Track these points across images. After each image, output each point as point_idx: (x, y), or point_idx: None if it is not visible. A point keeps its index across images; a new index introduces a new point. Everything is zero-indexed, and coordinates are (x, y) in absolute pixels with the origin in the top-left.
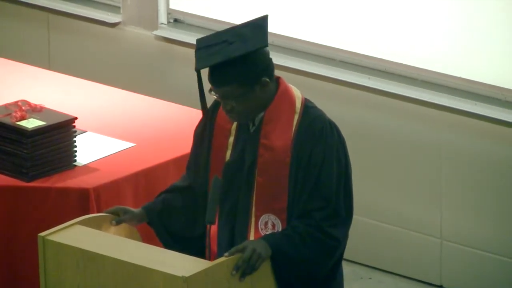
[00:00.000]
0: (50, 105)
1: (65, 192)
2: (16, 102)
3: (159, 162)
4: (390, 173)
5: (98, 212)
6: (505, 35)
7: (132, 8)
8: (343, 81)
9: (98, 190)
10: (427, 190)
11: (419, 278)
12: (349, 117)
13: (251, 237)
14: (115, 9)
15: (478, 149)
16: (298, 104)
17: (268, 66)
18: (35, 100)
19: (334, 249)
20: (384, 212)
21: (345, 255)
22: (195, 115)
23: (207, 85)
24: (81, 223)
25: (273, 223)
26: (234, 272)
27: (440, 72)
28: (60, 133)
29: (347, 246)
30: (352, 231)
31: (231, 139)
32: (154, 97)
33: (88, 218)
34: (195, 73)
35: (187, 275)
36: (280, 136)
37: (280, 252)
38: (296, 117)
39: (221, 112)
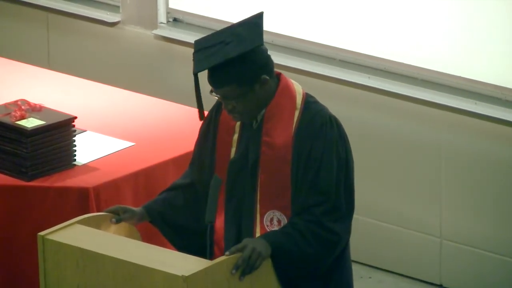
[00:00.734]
0: (49, 104)
1: (65, 191)
2: (16, 101)
3: (159, 161)
4: (390, 172)
5: (97, 211)
6: (506, 35)
7: (132, 8)
8: (344, 81)
9: (98, 189)
10: (427, 189)
11: (419, 278)
12: (349, 116)
13: (257, 234)
14: (114, 8)
15: (478, 148)
16: (299, 100)
17: (266, 64)
18: (34, 99)
19: (335, 244)
20: (384, 212)
21: None
22: (195, 114)
23: (207, 87)
24: (80, 222)
25: (279, 219)
26: (234, 271)
27: (440, 72)
28: (60, 132)
29: None
30: (352, 230)
31: (235, 137)
32: (153, 96)
33: (88, 218)
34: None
35: (187, 274)
36: (281, 133)
37: (280, 250)
38: (297, 113)
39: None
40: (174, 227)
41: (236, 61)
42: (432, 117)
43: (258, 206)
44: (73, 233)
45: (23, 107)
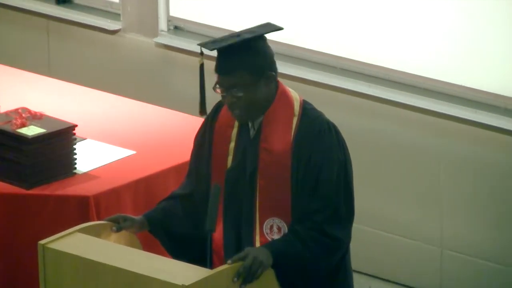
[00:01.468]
0: (50, 112)
1: (65, 199)
2: (16, 109)
3: (159, 169)
4: (390, 181)
5: (98, 220)
6: (506, 43)
7: (132, 15)
8: (344, 89)
9: (98, 197)
10: (427, 198)
11: (419, 287)
12: (349, 124)
13: (257, 242)
14: (115, 16)
15: (479, 157)
16: (297, 107)
17: (274, 63)
18: (35, 107)
19: (336, 250)
20: (384, 220)
21: None
22: (195, 122)
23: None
24: (81, 231)
25: (279, 226)
26: (235, 279)
27: (440, 80)
28: (60, 140)
29: None
30: (352, 239)
31: (232, 145)
32: (154, 104)
33: (88, 226)
34: (196, 80)
35: (187, 283)
36: (280, 139)
37: (282, 259)
38: (295, 119)
39: (221, 118)
40: (174, 236)
41: (249, 48)
42: (432, 126)
43: (257, 213)
44: (73, 242)
45: (23, 115)
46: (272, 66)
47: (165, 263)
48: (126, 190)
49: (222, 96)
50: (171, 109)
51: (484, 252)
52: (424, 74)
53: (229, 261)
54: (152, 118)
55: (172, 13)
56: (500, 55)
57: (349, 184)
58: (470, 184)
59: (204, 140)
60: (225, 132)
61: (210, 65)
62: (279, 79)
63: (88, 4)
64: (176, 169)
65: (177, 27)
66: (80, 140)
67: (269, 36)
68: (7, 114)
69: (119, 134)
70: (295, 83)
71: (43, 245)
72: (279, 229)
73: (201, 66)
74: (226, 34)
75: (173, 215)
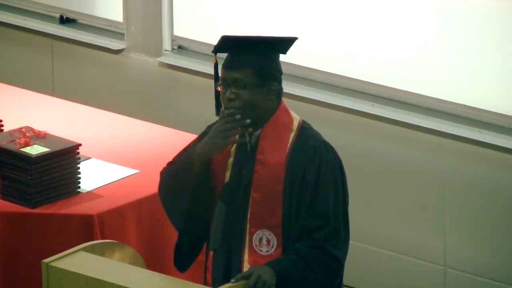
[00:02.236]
0: (54, 131)
1: (69, 218)
2: (20, 128)
3: None
4: (394, 200)
5: (102, 238)
6: (510, 64)
7: (136, 35)
8: (347, 108)
9: (102, 216)
10: (431, 217)
11: None
12: (353, 144)
13: (246, 255)
14: (119, 35)
15: (482, 176)
16: (296, 123)
17: (280, 80)
18: (39, 126)
19: (337, 271)
20: (387, 239)
21: (347, 281)
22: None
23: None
24: (85, 249)
25: (268, 238)
26: None
27: (444, 100)
28: (64, 159)
29: (349, 273)
30: (356, 258)
31: (231, 160)
32: (158, 123)
33: (92, 245)
34: (199, 100)
35: None
36: (275, 152)
37: (285, 278)
38: (292, 135)
39: None
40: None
41: (261, 50)
42: (436, 145)
43: (248, 225)
44: (78, 260)
45: (27, 134)
46: (278, 81)
47: (169, 282)
48: (130, 209)
49: (222, 93)
50: (175, 128)
51: (488, 271)
52: (428, 94)
53: (232, 280)
54: (156, 138)
55: (176, 33)
56: (505, 74)
57: (346, 205)
58: (474, 203)
59: None
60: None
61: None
62: (285, 101)
63: (92, 23)
64: None
65: (181, 47)
66: (84, 159)
67: None
68: (11, 133)
69: (123, 153)
70: (298, 102)
71: (47, 263)
72: (268, 241)
73: (215, 66)
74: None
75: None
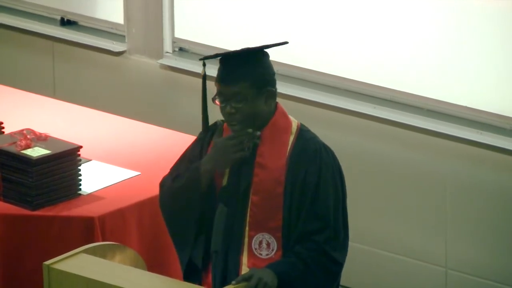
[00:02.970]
0: (55, 133)
1: (70, 220)
2: (21, 130)
3: None
4: (395, 201)
5: (103, 240)
6: (511, 64)
7: (137, 37)
8: (348, 110)
9: (103, 218)
10: (432, 219)
11: None
12: (354, 146)
13: (244, 258)
14: (120, 37)
15: (483, 178)
16: (294, 126)
17: (275, 81)
18: (40, 128)
19: (337, 274)
20: (389, 241)
21: (349, 283)
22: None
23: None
24: (86, 251)
25: (268, 241)
26: None
27: (445, 101)
28: (65, 161)
29: (351, 275)
30: (357, 259)
31: None
32: (159, 126)
33: (93, 247)
34: (200, 102)
35: None
36: (275, 155)
37: (286, 280)
38: (291, 138)
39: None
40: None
41: (253, 61)
42: (437, 147)
43: (247, 228)
44: (79, 263)
45: (28, 136)
46: (273, 83)
47: (170, 284)
48: (131, 211)
49: (221, 107)
50: (176, 130)
51: (489, 272)
52: (429, 95)
53: (233, 282)
54: (157, 140)
55: (177, 35)
56: (505, 76)
57: (345, 207)
58: (475, 204)
59: (199, 156)
60: None
61: (210, 85)
62: (286, 103)
63: (93, 25)
64: None
65: (182, 49)
66: (85, 162)
67: (273, 56)
68: (11, 135)
69: (124, 155)
70: (299, 104)
71: (48, 266)
72: (268, 244)
73: (204, 78)
74: None
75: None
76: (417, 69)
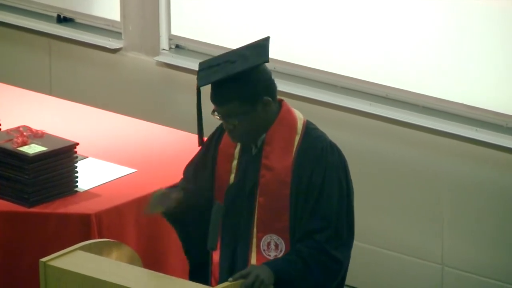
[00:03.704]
0: (51, 130)
1: (67, 217)
2: (18, 127)
3: (161, 187)
4: (391, 199)
5: (99, 237)
6: (507, 62)
7: (134, 34)
8: (345, 107)
9: (100, 215)
10: (428, 216)
11: None
12: (351, 143)
13: (253, 259)
14: (116, 35)
15: (480, 175)
16: (300, 125)
17: (269, 86)
18: (36, 125)
19: (337, 272)
20: (385, 238)
21: (346, 281)
22: (196, 140)
23: (207, 112)
24: (82, 248)
25: (276, 243)
26: None
27: (441, 99)
28: (62, 159)
29: (348, 272)
30: (353, 257)
31: (235, 163)
32: (155, 123)
33: (90, 244)
34: (197, 99)
35: None
36: (281, 156)
37: (284, 278)
38: (297, 137)
39: (226, 137)
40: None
41: (240, 78)
42: (433, 144)
43: (254, 230)
44: (75, 260)
45: (25, 133)
46: (269, 90)
47: (166, 281)
48: (128, 208)
49: (222, 122)
50: (172, 127)
51: (485, 269)
52: (425, 93)
53: (230, 279)
54: (153, 137)
55: (173, 32)
56: (502, 73)
57: (350, 207)
58: (471, 202)
59: (208, 155)
60: (228, 150)
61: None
62: (284, 98)
63: (89, 23)
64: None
65: (179, 46)
66: (82, 159)
67: (271, 54)
68: (8, 132)
69: (121, 152)
70: (296, 102)
71: (44, 262)
72: (276, 246)
73: (198, 95)
74: (226, 52)
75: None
76: (414, 67)
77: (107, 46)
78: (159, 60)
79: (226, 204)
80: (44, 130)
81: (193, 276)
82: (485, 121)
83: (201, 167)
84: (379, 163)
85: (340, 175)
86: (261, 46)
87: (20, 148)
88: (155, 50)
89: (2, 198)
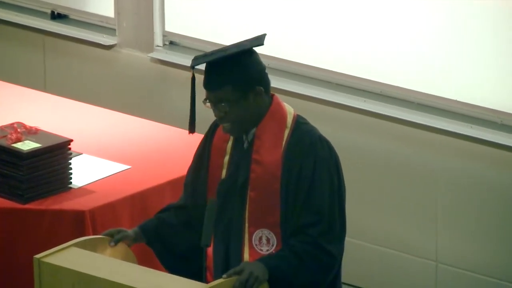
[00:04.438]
0: (45, 127)
1: (61, 214)
2: (12, 124)
3: (155, 184)
4: (386, 196)
5: (93, 234)
6: (501, 59)
7: (128, 31)
8: (339, 104)
9: (94, 212)
10: (422, 213)
11: None
12: (345, 139)
13: (245, 254)
14: (110, 31)
15: (474, 172)
16: (290, 120)
17: (262, 77)
18: (30, 122)
19: (331, 266)
20: (379, 235)
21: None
22: (191, 137)
23: (200, 110)
24: (77, 245)
25: (268, 237)
26: None
27: (436, 95)
28: (56, 155)
29: (342, 269)
30: (347, 253)
31: (227, 158)
32: (149, 119)
33: (84, 240)
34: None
35: None
36: (271, 150)
37: (277, 273)
38: (287, 131)
39: (218, 133)
40: (169, 248)
41: (234, 63)
42: (428, 141)
43: (246, 224)
44: (69, 256)
45: (19, 129)
46: (262, 81)
47: (161, 277)
48: (122, 205)
49: (213, 110)
50: (167, 124)
51: (479, 266)
52: (420, 90)
53: (224, 276)
54: (148, 133)
55: (167, 28)
56: (496, 70)
57: (342, 201)
58: (466, 199)
59: (204, 154)
60: (221, 145)
61: (201, 79)
62: (279, 95)
63: (83, 19)
64: (172, 183)
65: (173, 43)
66: (76, 155)
67: (265, 51)
68: (2, 129)
69: (115, 149)
70: (291, 98)
71: (38, 259)
72: (268, 240)
73: (193, 80)
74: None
75: (168, 226)
76: (408, 64)
77: (101, 43)
78: (153, 56)
79: (219, 200)
80: (38, 126)
81: (185, 271)
82: (479, 118)
83: (199, 168)
84: (373, 160)
85: (330, 168)
86: (257, 37)
87: (14, 145)
88: (149, 46)
89: None
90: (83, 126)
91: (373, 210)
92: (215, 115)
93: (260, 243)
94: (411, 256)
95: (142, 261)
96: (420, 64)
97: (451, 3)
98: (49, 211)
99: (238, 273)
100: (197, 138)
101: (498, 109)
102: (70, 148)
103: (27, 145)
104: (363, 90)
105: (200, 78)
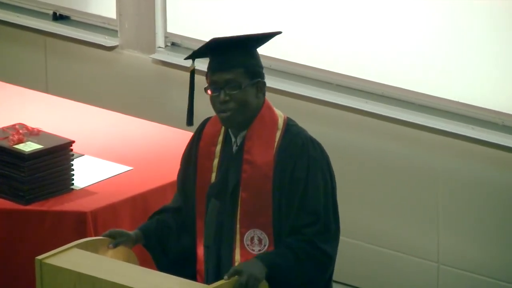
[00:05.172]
0: (47, 128)
1: (62, 215)
2: (14, 125)
3: (156, 185)
4: (387, 197)
5: (95, 235)
6: (503, 60)
7: (130, 32)
8: (340, 105)
9: (96, 213)
10: (424, 214)
11: None
12: (346, 140)
13: (237, 255)
14: (112, 32)
15: (475, 173)
16: (281, 122)
17: (264, 75)
18: (32, 123)
19: (327, 266)
20: (381, 237)
21: (342, 279)
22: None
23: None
24: (78, 246)
25: (259, 237)
26: None
27: (437, 97)
28: (57, 156)
29: (344, 270)
30: (349, 254)
31: (216, 162)
32: (151, 120)
33: (86, 242)
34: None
35: None
36: (263, 151)
37: (275, 271)
38: (278, 133)
39: (205, 136)
40: (167, 251)
41: (249, 49)
42: (429, 142)
43: (238, 225)
44: (71, 257)
45: (21, 131)
46: (263, 76)
47: (162, 279)
48: (124, 206)
49: (214, 97)
50: (168, 125)
51: (481, 267)
52: (421, 91)
53: (225, 277)
54: (149, 134)
55: (169, 30)
56: (497, 71)
57: (335, 200)
58: (467, 200)
59: (191, 157)
60: (209, 149)
61: (199, 81)
62: (278, 98)
63: (85, 20)
64: (173, 184)
65: (174, 44)
66: (78, 156)
67: (266, 51)
68: (4, 130)
69: (116, 150)
70: (291, 99)
71: (40, 260)
72: (260, 240)
73: (192, 73)
74: None
75: (168, 229)
76: (410, 65)
77: (103, 44)
78: (155, 57)
79: (207, 203)
80: (40, 127)
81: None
82: (481, 119)
83: (187, 171)
84: (375, 161)
85: (323, 169)
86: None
87: (16, 146)
88: (151, 47)
89: None
90: (85, 127)
91: (375, 211)
92: (218, 101)
93: (252, 243)
94: (413, 257)
95: (144, 262)
96: (422, 65)
97: (451, 3)
98: (50, 212)
99: (239, 273)
100: None
101: (500, 110)
102: (72, 149)
103: (29, 146)
104: (364, 91)
105: (200, 76)
